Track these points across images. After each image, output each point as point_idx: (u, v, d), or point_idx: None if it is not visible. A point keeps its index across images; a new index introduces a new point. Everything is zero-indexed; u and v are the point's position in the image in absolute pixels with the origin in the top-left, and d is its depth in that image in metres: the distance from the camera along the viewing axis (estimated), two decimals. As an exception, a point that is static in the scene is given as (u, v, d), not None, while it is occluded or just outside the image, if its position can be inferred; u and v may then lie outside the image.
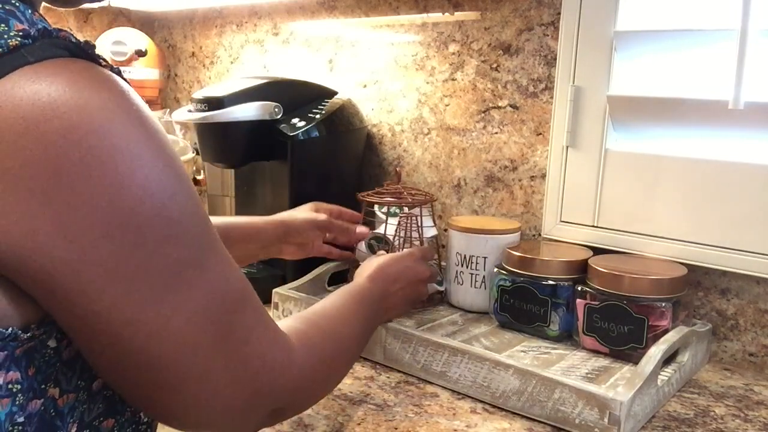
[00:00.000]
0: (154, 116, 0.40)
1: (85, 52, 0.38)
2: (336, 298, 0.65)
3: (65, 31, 0.38)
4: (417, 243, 0.96)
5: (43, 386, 0.38)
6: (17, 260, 0.35)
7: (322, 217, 0.92)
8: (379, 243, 0.98)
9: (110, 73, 0.39)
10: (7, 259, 0.35)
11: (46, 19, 0.40)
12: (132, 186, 0.36)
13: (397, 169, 1.11)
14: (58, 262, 0.35)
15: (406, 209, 0.97)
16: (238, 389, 0.42)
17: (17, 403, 0.37)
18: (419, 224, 0.96)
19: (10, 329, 0.36)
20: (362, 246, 0.99)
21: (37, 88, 0.34)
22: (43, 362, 0.38)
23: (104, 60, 0.40)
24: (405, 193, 0.99)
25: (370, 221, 1.02)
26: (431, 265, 0.92)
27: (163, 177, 0.38)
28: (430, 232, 1.01)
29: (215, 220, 0.87)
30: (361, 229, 0.98)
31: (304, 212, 0.93)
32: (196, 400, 0.41)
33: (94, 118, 0.35)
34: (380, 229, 0.99)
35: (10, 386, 0.36)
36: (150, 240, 0.37)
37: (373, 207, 1.02)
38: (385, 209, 1.00)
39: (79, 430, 0.41)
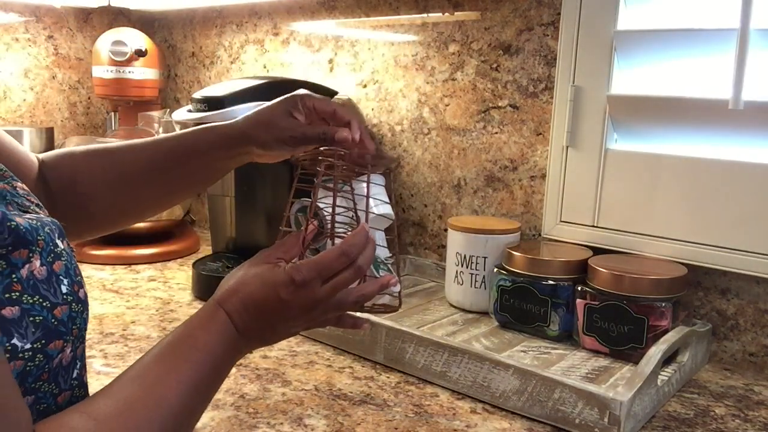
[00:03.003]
0: None
1: None
2: (160, 351, 0.48)
3: None
4: (355, 220, 0.67)
5: None
6: None
7: (294, 128, 0.66)
8: (304, 214, 0.72)
9: None
10: None
11: None
12: None
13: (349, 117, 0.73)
14: None
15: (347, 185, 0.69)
16: None
17: None
18: (367, 194, 0.64)
19: None
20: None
21: None
22: None
23: None
24: (340, 155, 0.64)
25: (305, 190, 0.65)
26: (383, 268, 0.67)
27: None
28: (381, 207, 0.80)
29: (166, 135, 0.70)
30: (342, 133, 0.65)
31: (273, 116, 0.68)
32: None
33: None
34: (321, 202, 0.70)
35: None
36: None
37: (310, 176, 0.65)
38: (323, 178, 0.64)
39: None
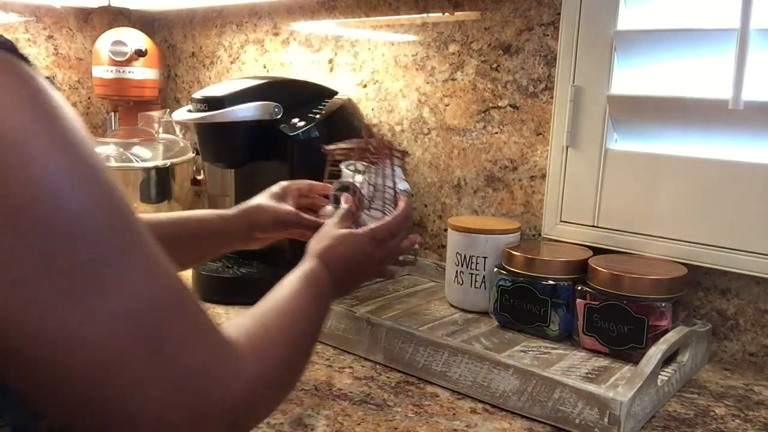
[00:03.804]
0: (61, 101, 0.36)
1: None
2: (287, 289, 0.59)
3: None
4: (389, 196, 0.84)
5: None
6: None
7: (291, 212, 0.82)
8: (347, 191, 0.85)
9: (5, 56, 0.35)
10: None
11: None
12: (22, 177, 0.32)
13: (364, 122, 1.02)
14: None
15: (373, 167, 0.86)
16: (177, 407, 0.37)
17: None
18: (392, 174, 0.84)
19: None
20: (328, 209, 0.86)
21: None
22: None
23: (8, 43, 0.35)
24: (374, 146, 0.86)
25: (336, 175, 0.89)
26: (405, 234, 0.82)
27: (62, 168, 0.33)
28: (402, 184, 0.92)
29: (174, 214, 0.81)
30: None
31: (269, 203, 0.83)
32: (129, 421, 0.36)
33: None
34: (348, 179, 0.87)
35: None
36: (48, 238, 0.33)
37: (339, 163, 0.88)
38: (352, 167, 0.87)
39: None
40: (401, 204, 0.79)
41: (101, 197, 0.36)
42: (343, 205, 0.77)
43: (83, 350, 0.34)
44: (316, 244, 0.69)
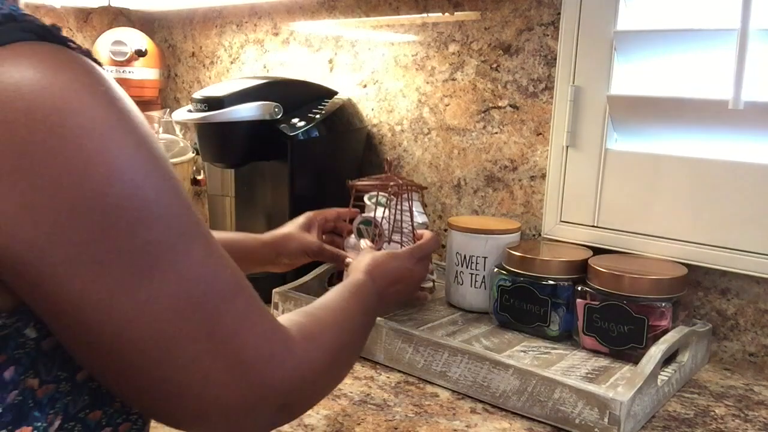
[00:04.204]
0: (128, 98, 0.39)
1: (52, 35, 0.38)
2: (335, 293, 0.63)
3: (31, 15, 0.38)
4: (407, 229, 0.92)
5: (21, 377, 0.38)
6: None
7: (314, 243, 0.89)
8: (368, 226, 0.94)
9: (78, 54, 0.38)
10: None
11: (16, 5, 0.39)
12: (99, 166, 0.35)
13: (387, 158, 1.09)
14: (24, 243, 0.35)
15: (394, 198, 0.94)
16: (232, 383, 0.40)
17: None
18: (410, 208, 0.93)
19: None
20: (351, 240, 0.96)
21: (1, 71, 0.35)
22: (20, 352, 0.38)
23: (73, 42, 0.39)
24: (395, 183, 0.94)
25: (360, 207, 0.97)
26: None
27: (134, 157, 0.37)
28: (420, 218, 0.99)
29: (218, 233, 0.85)
30: (349, 260, 0.89)
31: (297, 232, 0.90)
32: (184, 394, 0.39)
33: (58, 98, 0.35)
34: (370, 213, 0.96)
35: None
36: (121, 221, 0.36)
37: (362, 195, 0.98)
38: (374, 198, 0.96)
39: (64, 422, 0.41)
40: (426, 233, 0.86)
41: (168, 186, 0.39)
42: (368, 244, 0.86)
43: (148, 327, 0.37)
44: (358, 262, 0.73)
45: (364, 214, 0.96)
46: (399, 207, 0.92)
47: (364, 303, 0.64)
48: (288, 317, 0.52)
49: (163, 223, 0.38)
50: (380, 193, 0.94)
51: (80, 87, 0.36)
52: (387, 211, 0.92)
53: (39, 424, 0.39)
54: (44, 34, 0.37)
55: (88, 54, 0.39)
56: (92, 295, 0.36)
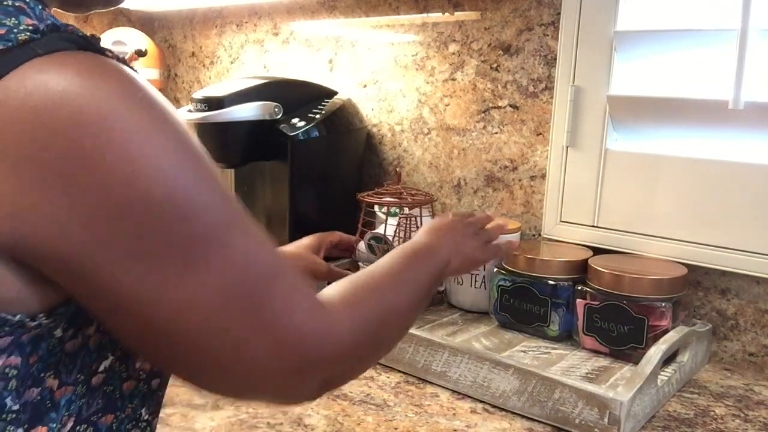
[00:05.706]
0: (165, 100, 0.41)
1: (91, 45, 0.40)
2: (386, 259, 0.63)
3: (72, 26, 0.40)
4: None
5: (42, 375, 0.40)
6: (37, 246, 0.36)
7: (323, 265, 0.91)
8: (379, 243, 0.97)
9: (117, 62, 0.40)
10: (28, 245, 0.36)
11: (55, 17, 0.41)
12: (143, 167, 0.37)
13: (397, 169, 1.10)
14: (77, 245, 0.36)
15: (406, 209, 0.97)
16: (277, 359, 0.43)
17: (9, 388, 0.38)
18: (419, 224, 0.96)
19: (18, 316, 0.37)
20: (362, 246, 0.99)
21: (46, 78, 0.36)
22: (46, 351, 0.39)
23: (110, 52, 0.41)
24: (405, 193, 1.00)
25: (370, 221, 1.02)
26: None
27: (174, 156, 0.39)
28: None
29: None
30: None
31: (306, 253, 0.92)
32: (234, 371, 0.42)
33: (103, 104, 0.37)
34: (380, 229, 0.99)
35: (7, 370, 0.38)
36: (167, 219, 0.38)
37: (373, 207, 1.02)
38: (384, 209, 1.00)
39: (76, 424, 0.42)
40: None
41: (207, 179, 0.41)
42: None
43: (197, 314, 0.39)
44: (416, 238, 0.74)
45: (374, 231, 0.99)
46: (408, 223, 0.96)
47: (418, 266, 0.64)
48: (335, 285, 0.53)
49: (205, 215, 0.40)
50: (390, 207, 0.98)
51: (122, 94, 0.38)
52: (397, 219, 0.96)
53: (54, 425, 0.41)
54: (85, 44, 0.39)
55: (124, 62, 0.41)
56: (144, 288, 0.38)
